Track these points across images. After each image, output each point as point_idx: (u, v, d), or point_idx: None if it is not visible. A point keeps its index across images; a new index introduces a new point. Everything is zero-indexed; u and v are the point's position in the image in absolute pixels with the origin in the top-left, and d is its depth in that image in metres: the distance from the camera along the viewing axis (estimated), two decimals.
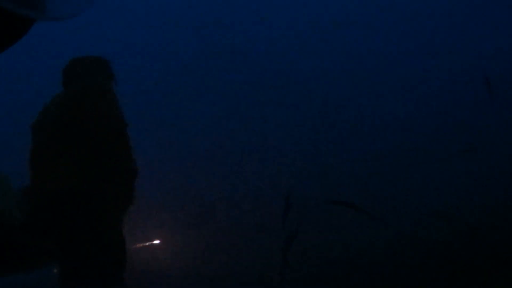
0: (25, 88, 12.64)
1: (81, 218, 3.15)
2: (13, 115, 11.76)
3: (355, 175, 8.40)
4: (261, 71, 12.20)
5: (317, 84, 11.80)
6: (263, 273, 5.18)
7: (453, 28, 12.49)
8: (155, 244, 6.36)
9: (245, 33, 13.15)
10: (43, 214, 3.14)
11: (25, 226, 2.81)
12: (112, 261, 3.24)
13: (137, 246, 5.85)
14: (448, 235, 5.36)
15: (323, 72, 12.10)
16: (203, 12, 13.68)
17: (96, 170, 3.22)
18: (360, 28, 13.07)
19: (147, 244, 5.99)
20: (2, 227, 2.68)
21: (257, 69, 12.27)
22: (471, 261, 4.45)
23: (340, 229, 6.29)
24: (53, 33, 12.71)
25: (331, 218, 6.64)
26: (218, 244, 6.36)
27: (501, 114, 9.27)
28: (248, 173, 9.12)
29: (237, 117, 11.12)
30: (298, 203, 6.52)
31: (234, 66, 12.40)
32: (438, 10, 12.90)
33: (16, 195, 2.76)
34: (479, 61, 11.13)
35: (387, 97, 11.15)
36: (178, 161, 9.84)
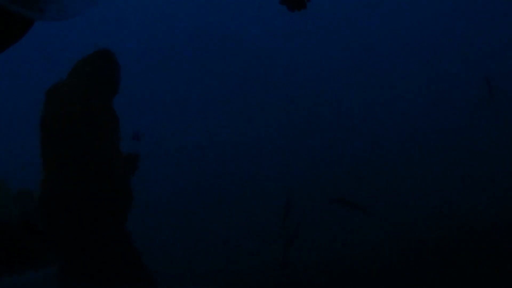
0: (24, 88, 12.62)
1: (80, 220, 3.16)
2: (13, 115, 11.75)
3: (355, 175, 8.39)
4: (261, 69, 12.19)
5: (317, 83, 11.79)
6: (263, 272, 5.18)
7: (453, 28, 12.48)
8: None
9: (246, 30, 13.15)
10: (47, 216, 3.16)
11: (24, 226, 2.81)
12: (119, 261, 3.24)
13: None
14: (448, 235, 5.36)
15: (324, 71, 12.09)
16: (202, 10, 13.69)
17: (80, 171, 3.20)
18: (359, 27, 13.06)
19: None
20: (3, 227, 2.69)
21: (257, 67, 12.26)
22: (471, 261, 4.44)
23: (340, 229, 6.28)
24: (53, 33, 12.71)
25: (331, 217, 6.63)
26: (217, 243, 6.36)
27: (501, 114, 9.27)
28: (248, 172, 9.11)
29: (236, 116, 11.11)
30: (298, 203, 6.51)
31: (233, 64, 12.39)
32: (438, 9, 12.90)
33: (14, 196, 2.76)
34: (479, 61, 11.12)
35: (387, 97, 11.14)
36: (177, 160, 9.83)
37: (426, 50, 12.26)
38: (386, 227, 6.03)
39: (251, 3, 13.48)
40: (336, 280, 4.71)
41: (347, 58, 12.39)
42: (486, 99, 8.44)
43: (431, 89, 11.21)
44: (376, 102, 11.05)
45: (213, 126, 10.98)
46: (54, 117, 3.26)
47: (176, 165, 9.72)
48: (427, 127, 9.92)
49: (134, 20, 13.83)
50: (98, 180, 3.19)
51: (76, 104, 3.23)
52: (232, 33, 13.06)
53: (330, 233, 6.26)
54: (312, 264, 5.25)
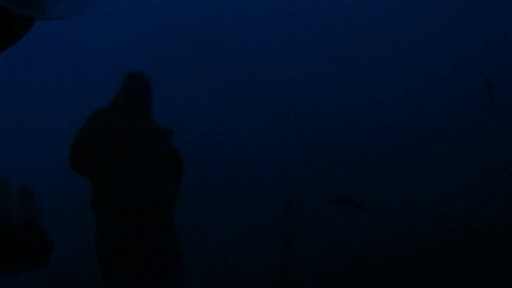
0: (25, 88, 12.62)
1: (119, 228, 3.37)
2: (13, 115, 11.75)
3: (355, 174, 8.39)
4: (260, 68, 12.19)
5: (316, 82, 11.78)
6: (263, 273, 5.17)
7: (452, 27, 12.48)
8: None
9: (245, 30, 13.15)
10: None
11: (25, 226, 2.82)
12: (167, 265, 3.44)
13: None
14: (448, 235, 5.35)
15: (322, 70, 12.09)
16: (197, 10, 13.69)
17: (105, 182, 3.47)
18: (358, 27, 13.07)
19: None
20: (3, 227, 2.69)
21: (256, 66, 12.26)
22: (471, 261, 4.44)
23: (340, 229, 6.28)
24: (53, 33, 12.71)
25: (331, 217, 6.63)
26: (217, 243, 6.35)
27: (502, 114, 9.27)
28: (248, 172, 9.11)
29: (236, 115, 11.11)
30: (298, 202, 6.51)
31: (231, 63, 12.39)
32: (437, 8, 12.90)
33: (16, 194, 2.76)
34: (480, 61, 11.11)
35: (387, 96, 11.14)
36: None
37: (426, 50, 12.26)
38: (386, 227, 6.03)
39: (250, 4, 13.49)
40: (336, 280, 4.70)
41: (348, 58, 12.38)
42: (486, 99, 8.43)
43: (431, 89, 11.21)
44: (376, 102, 11.05)
45: (212, 126, 10.98)
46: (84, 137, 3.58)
47: None
48: (427, 127, 9.91)
49: (134, 20, 13.83)
50: (119, 190, 3.40)
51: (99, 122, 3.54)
52: (232, 34, 13.06)
53: (331, 233, 6.26)
54: (312, 264, 5.24)
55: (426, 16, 12.93)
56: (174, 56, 12.85)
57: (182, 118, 11.33)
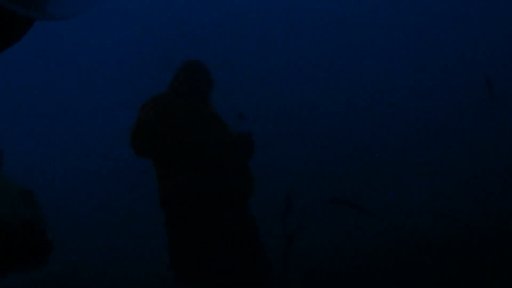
0: (25, 88, 12.61)
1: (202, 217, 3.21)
2: (13, 116, 11.75)
3: (355, 174, 8.39)
4: (260, 68, 12.19)
5: (317, 82, 11.78)
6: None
7: (452, 27, 12.47)
8: None
9: (242, 33, 13.15)
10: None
11: (25, 226, 2.82)
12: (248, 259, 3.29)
13: None
14: (448, 235, 5.35)
15: (323, 70, 12.09)
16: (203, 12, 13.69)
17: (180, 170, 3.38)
18: (356, 25, 13.06)
19: None
20: (4, 227, 2.69)
21: (257, 66, 12.26)
22: (471, 261, 4.44)
23: (340, 229, 6.28)
24: (54, 33, 12.71)
25: (331, 218, 6.63)
26: None
27: (502, 114, 9.26)
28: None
29: (235, 115, 11.09)
30: (298, 202, 6.51)
31: (232, 62, 12.38)
32: (437, 8, 12.89)
33: (20, 195, 2.76)
34: (480, 61, 11.11)
35: (387, 96, 11.14)
36: None
37: (426, 50, 12.26)
38: (386, 227, 6.03)
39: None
40: (336, 280, 4.70)
41: (347, 58, 12.38)
42: (486, 99, 8.43)
43: (431, 89, 11.21)
44: (376, 102, 11.05)
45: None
46: (149, 123, 3.42)
47: None
48: (427, 127, 9.91)
49: (134, 20, 13.83)
50: (197, 176, 3.36)
51: (159, 109, 3.47)
52: (233, 33, 13.05)
53: (330, 233, 6.25)
54: (312, 264, 5.24)
55: (426, 16, 12.92)
56: (174, 56, 12.83)
57: None
